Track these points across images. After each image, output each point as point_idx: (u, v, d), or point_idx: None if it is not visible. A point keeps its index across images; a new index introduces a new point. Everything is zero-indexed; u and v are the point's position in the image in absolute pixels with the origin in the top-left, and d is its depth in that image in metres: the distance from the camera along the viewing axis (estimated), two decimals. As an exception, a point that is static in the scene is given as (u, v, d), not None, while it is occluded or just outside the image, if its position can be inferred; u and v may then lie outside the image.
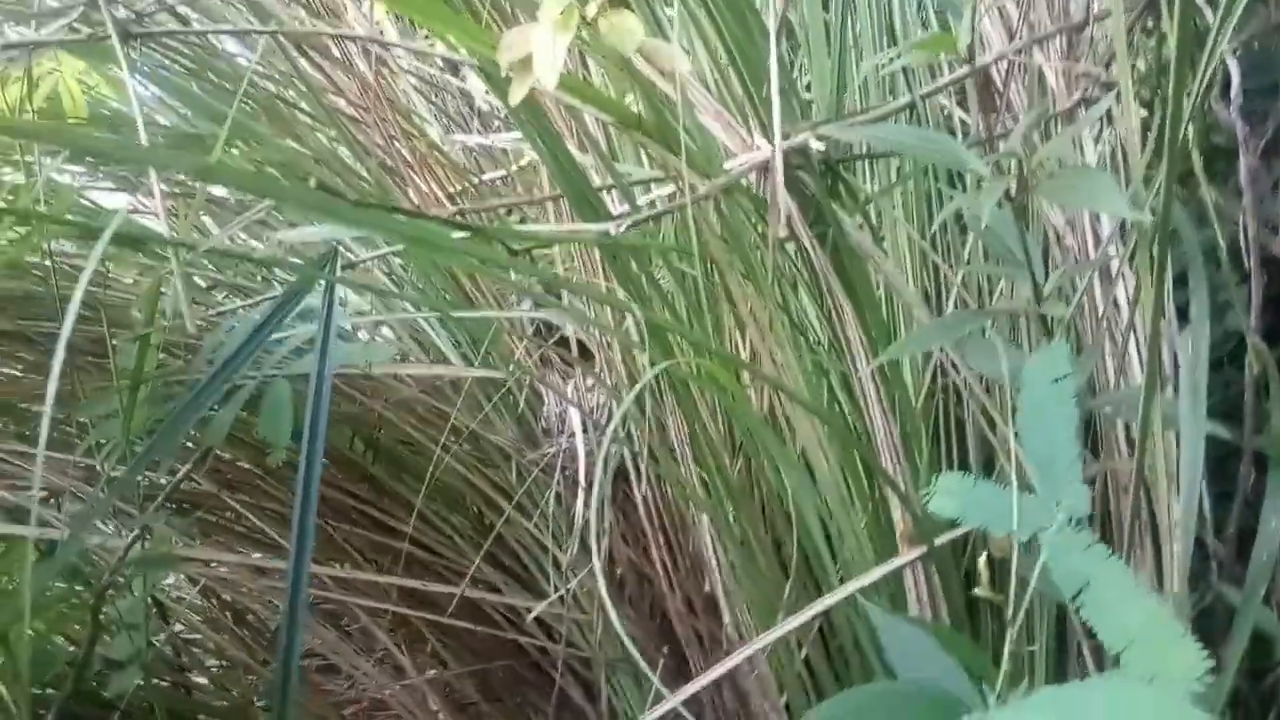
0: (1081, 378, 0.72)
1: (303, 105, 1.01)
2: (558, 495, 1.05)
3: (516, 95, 0.53)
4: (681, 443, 0.82)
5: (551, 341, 1.05)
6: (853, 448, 0.75)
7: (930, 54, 0.68)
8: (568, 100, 0.64)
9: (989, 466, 0.81)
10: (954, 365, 0.77)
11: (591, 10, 0.56)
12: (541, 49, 0.52)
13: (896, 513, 0.74)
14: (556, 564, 1.05)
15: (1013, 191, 0.59)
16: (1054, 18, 0.84)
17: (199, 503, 1.12)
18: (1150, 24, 0.87)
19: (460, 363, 1.09)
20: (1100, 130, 0.80)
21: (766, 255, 0.75)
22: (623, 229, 0.62)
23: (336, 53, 0.95)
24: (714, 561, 0.83)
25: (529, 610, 1.05)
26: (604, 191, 0.73)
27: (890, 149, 0.72)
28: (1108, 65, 0.84)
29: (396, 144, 0.98)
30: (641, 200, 0.75)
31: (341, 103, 0.97)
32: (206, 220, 1.22)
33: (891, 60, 0.65)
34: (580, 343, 1.04)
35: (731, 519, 0.83)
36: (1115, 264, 0.71)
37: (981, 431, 0.79)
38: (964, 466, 0.82)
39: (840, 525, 0.75)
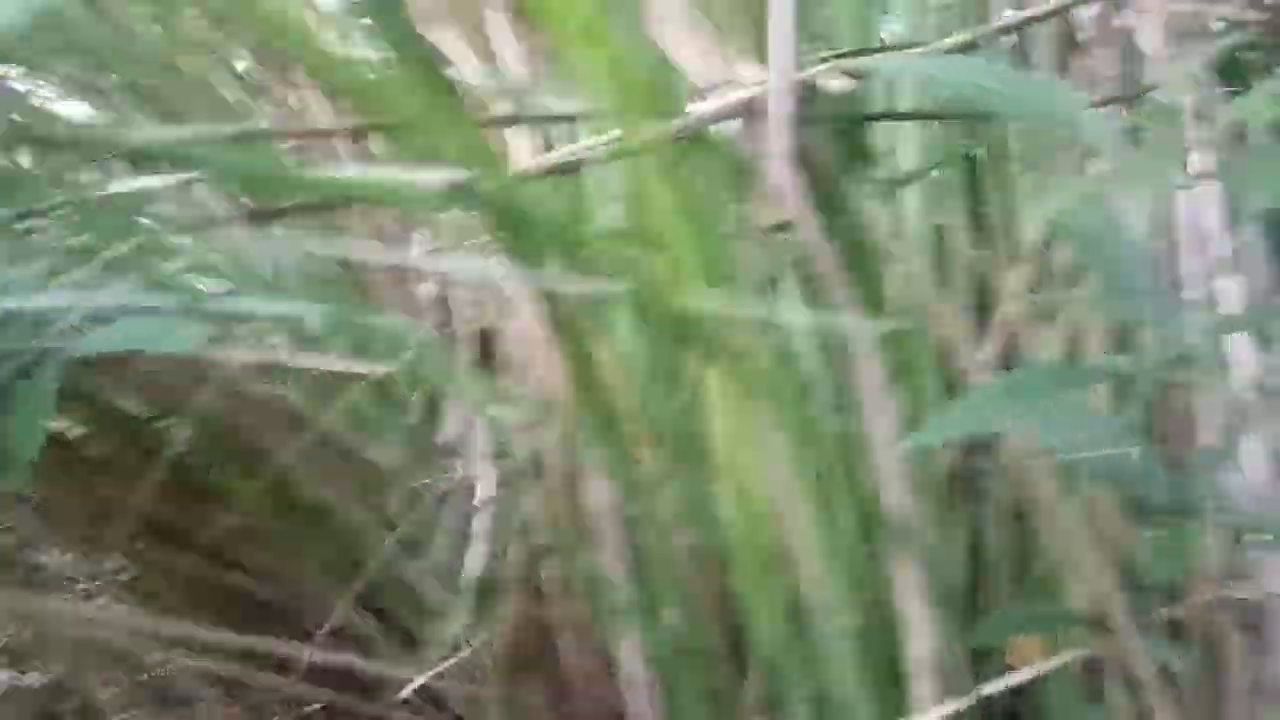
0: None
1: None
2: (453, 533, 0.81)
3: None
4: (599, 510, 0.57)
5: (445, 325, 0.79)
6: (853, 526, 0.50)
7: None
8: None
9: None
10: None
11: None
12: None
13: (916, 644, 0.50)
14: (440, 621, 0.81)
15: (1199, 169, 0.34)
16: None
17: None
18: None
19: (342, 353, 0.84)
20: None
21: (743, 247, 0.50)
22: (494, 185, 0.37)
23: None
24: (633, 676, 0.58)
25: (409, 679, 0.81)
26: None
27: (955, 93, 0.47)
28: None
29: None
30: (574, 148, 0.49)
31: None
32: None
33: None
34: (487, 339, 0.78)
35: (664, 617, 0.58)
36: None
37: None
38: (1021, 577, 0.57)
39: (831, 657, 0.51)
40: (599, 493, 0.56)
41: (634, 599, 0.55)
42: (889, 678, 0.51)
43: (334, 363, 0.80)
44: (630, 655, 0.56)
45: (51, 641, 0.81)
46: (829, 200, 0.51)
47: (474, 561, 0.77)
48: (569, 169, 0.43)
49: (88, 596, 0.86)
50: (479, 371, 0.78)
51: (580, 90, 0.49)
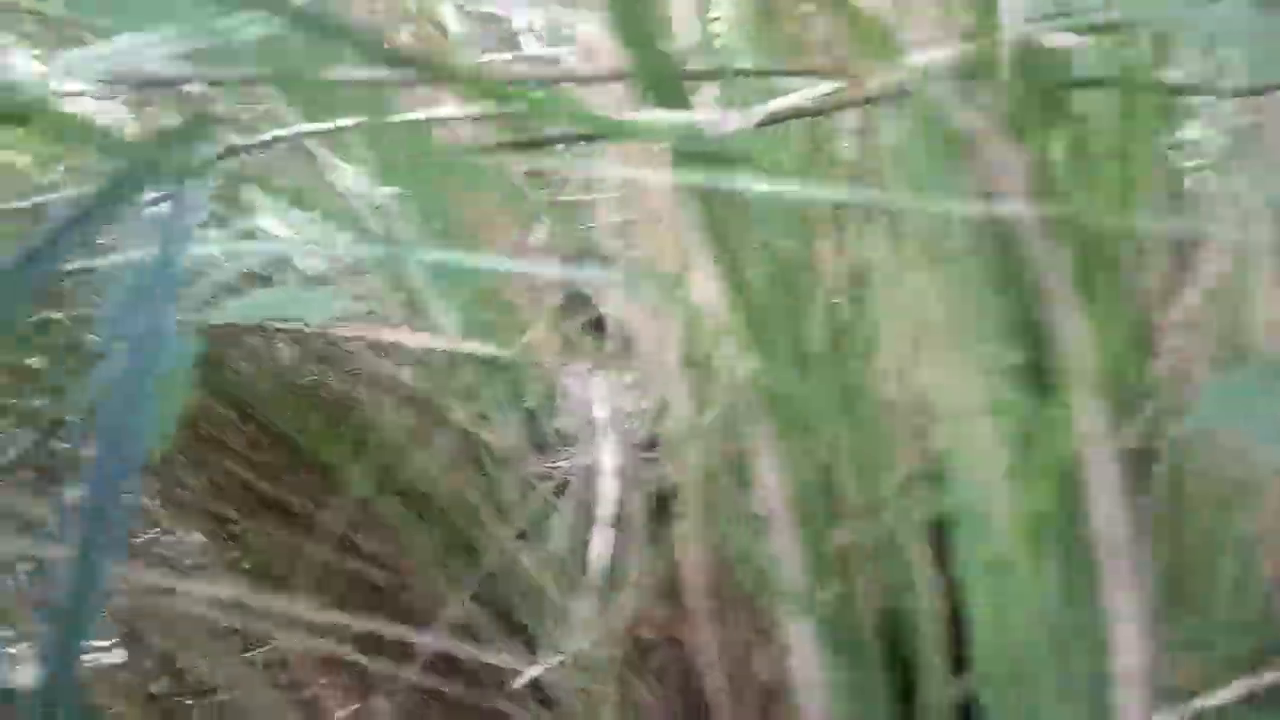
0: None
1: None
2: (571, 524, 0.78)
3: None
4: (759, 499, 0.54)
5: (582, 318, 0.76)
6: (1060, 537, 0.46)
7: None
8: None
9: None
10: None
11: None
12: None
13: (1125, 654, 0.46)
14: (560, 616, 0.78)
15: None
16: None
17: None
18: None
19: (457, 333, 0.81)
20: None
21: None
22: (732, 129, 0.34)
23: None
24: (803, 675, 0.55)
25: (520, 672, 0.78)
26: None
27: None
28: None
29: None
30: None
31: None
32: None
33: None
34: (622, 330, 0.75)
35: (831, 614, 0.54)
36: None
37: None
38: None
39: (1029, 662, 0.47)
40: (769, 458, 0.52)
41: (809, 590, 0.52)
42: (1093, 688, 0.47)
43: (457, 343, 0.77)
44: (803, 651, 0.53)
45: (159, 617, 0.80)
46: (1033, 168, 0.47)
47: (597, 552, 0.75)
48: (782, 119, 0.40)
49: (196, 573, 0.85)
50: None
51: (774, 47, 0.46)
